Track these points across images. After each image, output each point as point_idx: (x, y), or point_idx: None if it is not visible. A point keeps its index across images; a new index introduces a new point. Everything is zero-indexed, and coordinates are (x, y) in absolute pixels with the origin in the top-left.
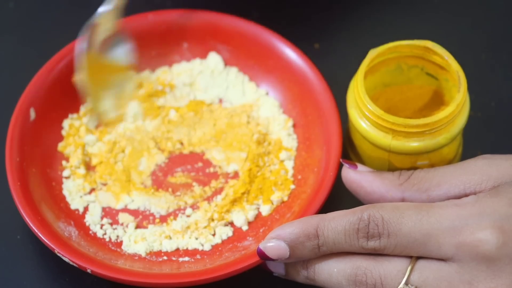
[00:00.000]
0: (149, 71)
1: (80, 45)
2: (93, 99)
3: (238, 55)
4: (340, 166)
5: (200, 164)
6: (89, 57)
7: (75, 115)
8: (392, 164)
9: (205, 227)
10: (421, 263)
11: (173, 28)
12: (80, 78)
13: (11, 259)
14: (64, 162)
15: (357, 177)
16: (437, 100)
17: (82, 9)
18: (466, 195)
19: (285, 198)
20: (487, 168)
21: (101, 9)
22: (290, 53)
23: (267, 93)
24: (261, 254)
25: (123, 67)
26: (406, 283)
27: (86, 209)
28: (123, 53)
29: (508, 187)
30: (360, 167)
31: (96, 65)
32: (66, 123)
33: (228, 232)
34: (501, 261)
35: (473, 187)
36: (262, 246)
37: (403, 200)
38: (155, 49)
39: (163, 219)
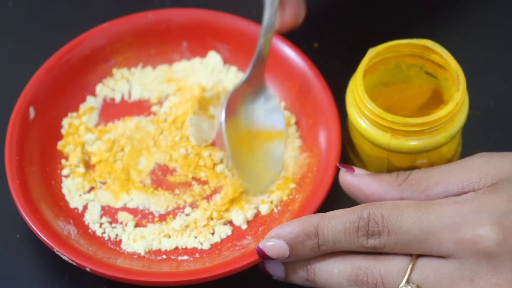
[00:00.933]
0: (151, 67)
1: (222, 117)
2: (241, 171)
3: (238, 54)
4: (338, 169)
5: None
6: (231, 125)
7: (74, 114)
8: (391, 163)
9: (204, 226)
10: (421, 261)
11: (173, 27)
12: (227, 149)
13: (11, 258)
14: (63, 161)
15: (354, 180)
16: (436, 99)
17: (82, 9)
18: (465, 193)
19: (285, 198)
20: (484, 165)
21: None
22: (290, 52)
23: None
24: (260, 253)
25: (274, 133)
26: (407, 282)
27: (85, 207)
28: (274, 119)
29: (506, 184)
30: (357, 170)
31: (240, 133)
32: (65, 122)
33: (227, 231)
34: (501, 257)
35: (471, 185)
36: (261, 245)
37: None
38: (155, 47)
39: (162, 217)
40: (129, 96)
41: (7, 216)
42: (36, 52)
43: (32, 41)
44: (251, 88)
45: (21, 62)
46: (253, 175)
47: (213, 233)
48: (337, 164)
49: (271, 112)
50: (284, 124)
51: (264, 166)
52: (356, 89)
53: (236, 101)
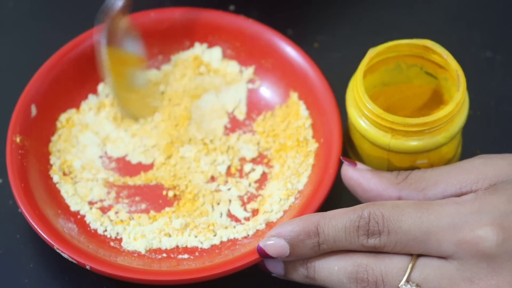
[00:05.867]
0: (156, 69)
1: (100, 38)
2: (117, 93)
3: (239, 53)
4: (340, 164)
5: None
6: (109, 50)
7: (73, 110)
8: (391, 163)
9: (204, 228)
10: (422, 261)
11: (175, 26)
12: (103, 71)
13: (11, 258)
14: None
15: (355, 174)
16: (436, 99)
17: (82, 8)
18: (463, 194)
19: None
20: (483, 167)
21: (113, 2)
22: (291, 52)
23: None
24: (261, 252)
25: (138, 59)
26: (407, 281)
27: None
28: (135, 46)
29: (506, 185)
30: (359, 165)
31: (115, 58)
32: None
33: (229, 234)
34: (501, 258)
35: (469, 186)
36: (262, 244)
37: (399, 198)
38: (157, 46)
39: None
40: None
41: (7, 217)
42: (36, 52)
43: (32, 41)
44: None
45: (21, 62)
46: (128, 100)
47: (215, 235)
48: (340, 158)
49: (133, 41)
50: (142, 51)
51: (133, 91)
52: (356, 89)
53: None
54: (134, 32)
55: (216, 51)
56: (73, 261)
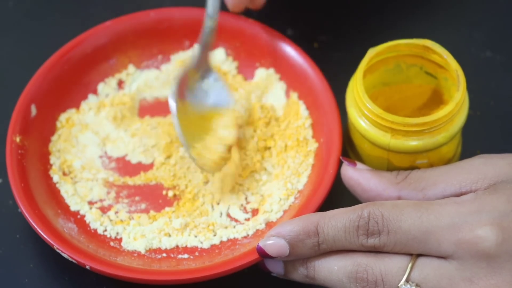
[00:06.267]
0: (155, 69)
1: (171, 100)
2: (190, 147)
3: (239, 53)
4: (340, 164)
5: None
6: (181, 108)
7: (73, 110)
8: (391, 163)
9: (204, 228)
10: (421, 260)
11: (175, 26)
12: (179, 135)
13: (11, 258)
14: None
15: (355, 174)
16: (436, 99)
17: (82, 8)
18: (462, 194)
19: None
20: (483, 167)
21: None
22: (291, 52)
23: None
24: (260, 251)
25: (222, 111)
26: (407, 280)
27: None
28: (220, 97)
29: (506, 185)
30: (359, 165)
31: (190, 115)
32: (63, 117)
33: (229, 234)
34: (501, 257)
35: (468, 185)
36: (261, 243)
37: (399, 198)
38: (157, 46)
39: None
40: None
41: (7, 216)
42: (36, 52)
43: (32, 41)
44: (198, 72)
45: (21, 62)
46: (206, 154)
47: (215, 235)
48: (340, 157)
49: (218, 92)
50: (231, 101)
51: (215, 143)
52: (356, 89)
53: (184, 86)
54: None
55: (220, 52)
56: (73, 261)
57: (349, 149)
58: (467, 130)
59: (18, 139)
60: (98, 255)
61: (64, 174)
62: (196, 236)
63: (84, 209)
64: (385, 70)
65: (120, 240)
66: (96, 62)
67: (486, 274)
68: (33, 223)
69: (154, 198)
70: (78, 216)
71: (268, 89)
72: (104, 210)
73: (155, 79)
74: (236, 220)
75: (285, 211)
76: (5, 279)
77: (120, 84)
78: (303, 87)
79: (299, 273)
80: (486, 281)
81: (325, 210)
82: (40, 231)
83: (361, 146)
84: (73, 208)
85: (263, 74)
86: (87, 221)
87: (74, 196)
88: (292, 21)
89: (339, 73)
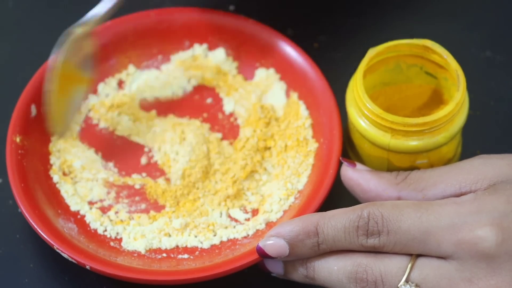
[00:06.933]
0: (155, 69)
1: (57, 55)
2: (55, 108)
3: (239, 53)
4: (340, 164)
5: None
6: (63, 66)
7: None
8: (391, 163)
9: (204, 228)
10: (421, 261)
11: (175, 26)
12: (49, 86)
13: (11, 258)
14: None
15: (355, 175)
16: (436, 99)
17: (82, 8)
18: (462, 194)
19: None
20: (482, 167)
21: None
22: (291, 52)
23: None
24: (260, 252)
25: (86, 79)
26: (407, 281)
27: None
28: (89, 67)
29: (505, 185)
30: (359, 165)
31: (66, 74)
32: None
33: (229, 234)
34: (500, 258)
35: (468, 186)
36: (261, 244)
37: (399, 199)
38: (157, 46)
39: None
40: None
41: (7, 216)
42: (36, 52)
43: (32, 41)
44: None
45: (21, 62)
46: (61, 113)
47: (215, 235)
48: (340, 158)
49: (87, 60)
50: (92, 71)
51: (69, 107)
52: (356, 89)
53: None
54: (91, 53)
55: (220, 52)
56: (73, 261)
57: (349, 149)
58: (467, 130)
59: (18, 139)
60: (98, 255)
61: (64, 174)
62: (196, 236)
63: (84, 209)
64: (385, 70)
65: (120, 240)
66: (96, 62)
67: (485, 275)
68: (33, 223)
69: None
70: (78, 216)
71: (268, 89)
72: (104, 210)
73: (155, 79)
74: (236, 220)
75: (285, 211)
76: (5, 279)
77: (120, 84)
78: (303, 87)
79: (298, 273)
80: (485, 281)
81: (325, 210)
82: (40, 231)
83: (361, 146)
84: (73, 208)
85: (263, 74)
86: (87, 221)
87: (74, 196)
88: (292, 21)
89: (339, 73)
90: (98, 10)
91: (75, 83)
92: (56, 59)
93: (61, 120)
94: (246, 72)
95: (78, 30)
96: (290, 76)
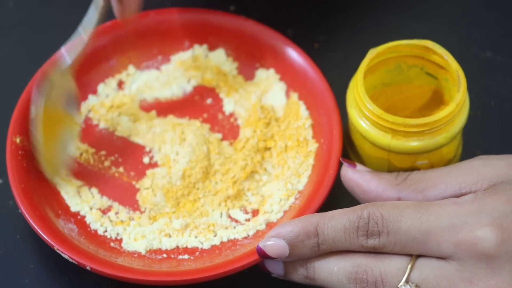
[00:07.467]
0: (155, 69)
1: (40, 89)
2: (44, 153)
3: (239, 53)
4: (340, 165)
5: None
6: (46, 110)
7: None
8: (392, 163)
9: (204, 229)
10: (421, 261)
11: (175, 26)
12: (35, 135)
13: (11, 258)
14: None
15: (355, 176)
16: (436, 100)
17: (82, 8)
18: (462, 195)
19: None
20: (482, 168)
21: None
22: (291, 52)
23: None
24: (260, 252)
25: (71, 118)
26: (407, 281)
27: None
28: (73, 107)
29: (505, 185)
30: (359, 166)
31: (51, 116)
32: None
33: (229, 235)
34: (500, 258)
35: (468, 186)
36: (261, 244)
37: (399, 199)
38: (157, 47)
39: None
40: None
41: (7, 217)
42: (36, 52)
43: (32, 41)
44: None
45: (21, 62)
46: (51, 157)
47: (215, 235)
48: (340, 159)
49: (71, 99)
50: (76, 112)
51: (59, 150)
52: (357, 90)
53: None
54: (74, 92)
55: (220, 53)
56: (74, 261)
57: (349, 149)
58: (468, 131)
59: (18, 140)
60: (98, 255)
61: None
62: (196, 237)
63: (84, 210)
64: (385, 71)
65: (121, 240)
66: (96, 62)
67: (485, 275)
68: (33, 224)
69: None
70: (79, 217)
71: (268, 90)
72: (104, 211)
73: (155, 79)
74: (236, 221)
75: (285, 212)
76: (5, 279)
77: (120, 84)
78: (303, 87)
79: (299, 274)
80: (485, 281)
81: (325, 211)
82: (40, 231)
83: (362, 146)
84: (73, 209)
85: (263, 75)
86: (88, 222)
87: (74, 197)
88: (292, 21)
89: (339, 73)
90: (83, 30)
91: (62, 124)
92: (37, 106)
93: (52, 162)
94: (246, 72)
95: (55, 73)
96: (290, 77)
